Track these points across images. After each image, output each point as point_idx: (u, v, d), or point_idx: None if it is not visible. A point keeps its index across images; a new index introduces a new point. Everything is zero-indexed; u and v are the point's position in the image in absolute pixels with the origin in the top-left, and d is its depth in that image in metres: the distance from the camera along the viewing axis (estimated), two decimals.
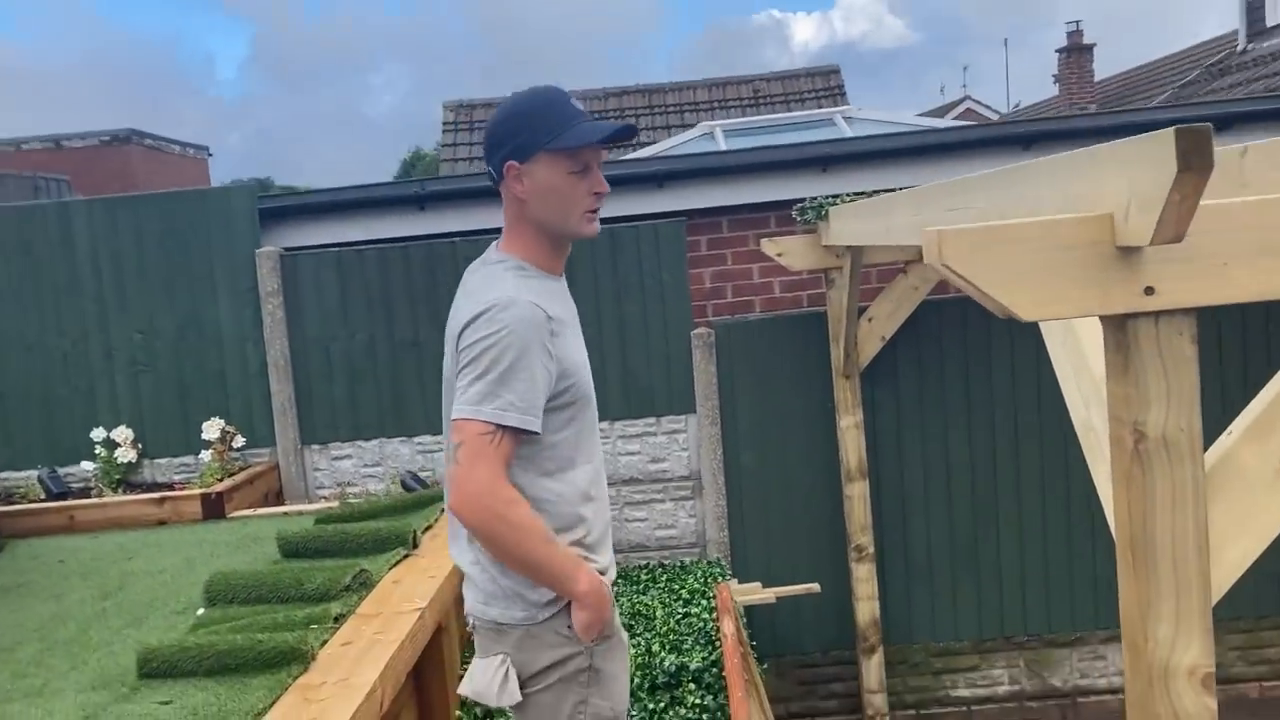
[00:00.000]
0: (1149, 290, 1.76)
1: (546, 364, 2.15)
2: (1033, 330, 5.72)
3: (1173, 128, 1.52)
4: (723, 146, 8.00)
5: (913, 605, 5.42)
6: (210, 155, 22.01)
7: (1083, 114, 9.28)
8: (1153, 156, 1.59)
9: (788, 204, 5.52)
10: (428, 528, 4.26)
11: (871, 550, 5.22)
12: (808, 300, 5.63)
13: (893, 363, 5.27)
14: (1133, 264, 1.76)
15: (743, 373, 5.34)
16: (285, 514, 4.85)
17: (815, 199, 4.88)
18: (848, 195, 4.85)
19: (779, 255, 5.00)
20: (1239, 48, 10.87)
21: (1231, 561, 1.83)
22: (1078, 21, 19.88)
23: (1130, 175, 1.67)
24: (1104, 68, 19.34)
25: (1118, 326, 1.80)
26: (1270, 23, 10.37)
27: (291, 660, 2.88)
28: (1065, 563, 5.36)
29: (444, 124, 15.40)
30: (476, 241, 5.39)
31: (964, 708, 5.48)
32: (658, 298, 5.34)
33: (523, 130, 2.19)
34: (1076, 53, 19.17)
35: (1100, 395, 2.06)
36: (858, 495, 5.17)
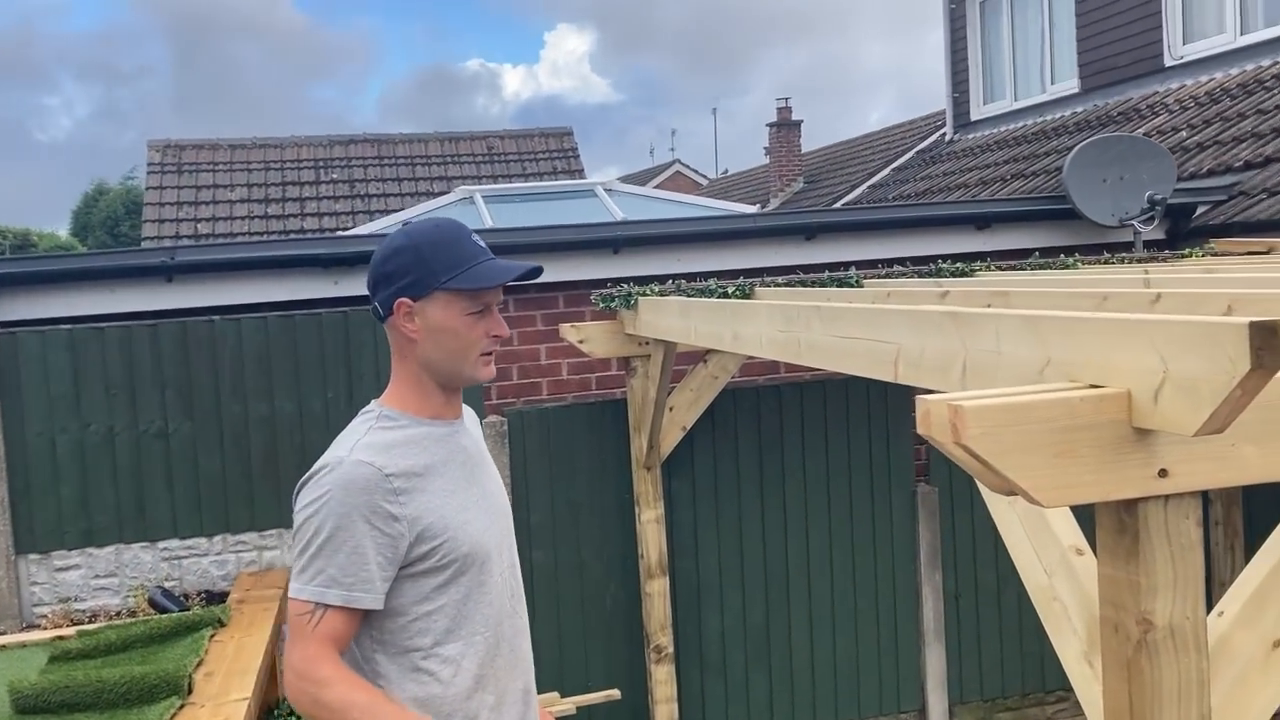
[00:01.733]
0: (1162, 473, 1.65)
1: (382, 528, 1.93)
2: (824, 420, 5.63)
3: (1246, 321, 1.42)
4: (485, 214, 7.70)
5: (707, 703, 5.28)
6: None
7: (867, 207, 9.69)
8: (1212, 344, 1.47)
9: (576, 285, 5.32)
10: (199, 663, 3.65)
11: (671, 650, 5.03)
12: (596, 383, 5.42)
13: (690, 453, 5.14)
14: (1148, 445, 1.64)
15: (537, 464, 5.04)
16: (1, 646, 4.05)
17: (617, 282, 4.70)
18: (640, 283, 4.70)
19: (581, 341, 4.76)
20: (947, 136, 11.80)
21: None
22: (787, 98, 21.11)
23: (1168, 356, 1.55)
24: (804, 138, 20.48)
25: (1124, 509, 1.68)
26: (974, 116, 11.32)
27: None
28: (852, 648, 5.40)
29: (149, 165, 14.13)
30: (239, 320, 4.80)
31: None
32: None
33: (419, 265, 2.02)
34: (785, 127, 20.28)
35: (1069, 568, 1.95)
36: (658, 592, 4.98)
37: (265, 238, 12.81)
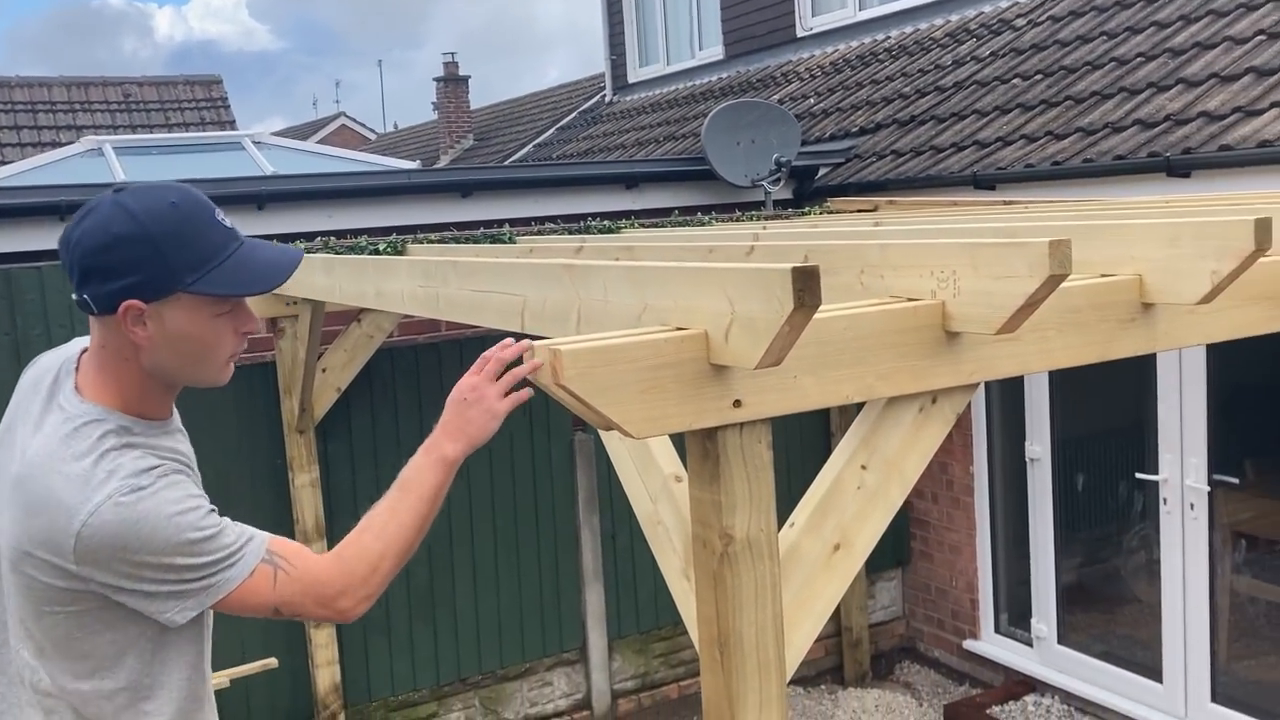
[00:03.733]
0: (737, 403, 1.85)
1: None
2: None
3: (789, 267, 1.61)
4: (117, 167, 7.14)
5: (371, 662, 5.27)
6: None
7: (522, 166, 9.72)
8: (764, 288, 1.66)
9: None
10: None
11: None
12: None
13: (346, 415, 5.08)
14: (724, 379, 1.83)
15: None
16: None
17: (264, 240, 4.54)
18: (288, 240, 4.58)
19: None
20: (606, 98, 12.17)
21: (798, 645, 1.99)
22: (453, 53, 20.92)
23: (734, 299, 1.74)
24: (474, 95, 20.48)
25: (707, 437, 1.87)
26: (631, 79, 11.74)
27: None
28: (515, 597, 5.56)
29: None
30: None
31: None
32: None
33: (154, 261, 1.68)
34: (453, 83, 20.11)
35: (670, 494, 2.14)
36: None
37: None
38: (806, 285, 1.61)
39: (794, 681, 6.25)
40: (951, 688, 6.19)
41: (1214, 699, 4.87)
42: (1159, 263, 2.17)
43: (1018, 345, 2.10)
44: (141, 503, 1.67)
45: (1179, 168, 4.46)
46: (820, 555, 2.01)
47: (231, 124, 14.50)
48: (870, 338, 1.95)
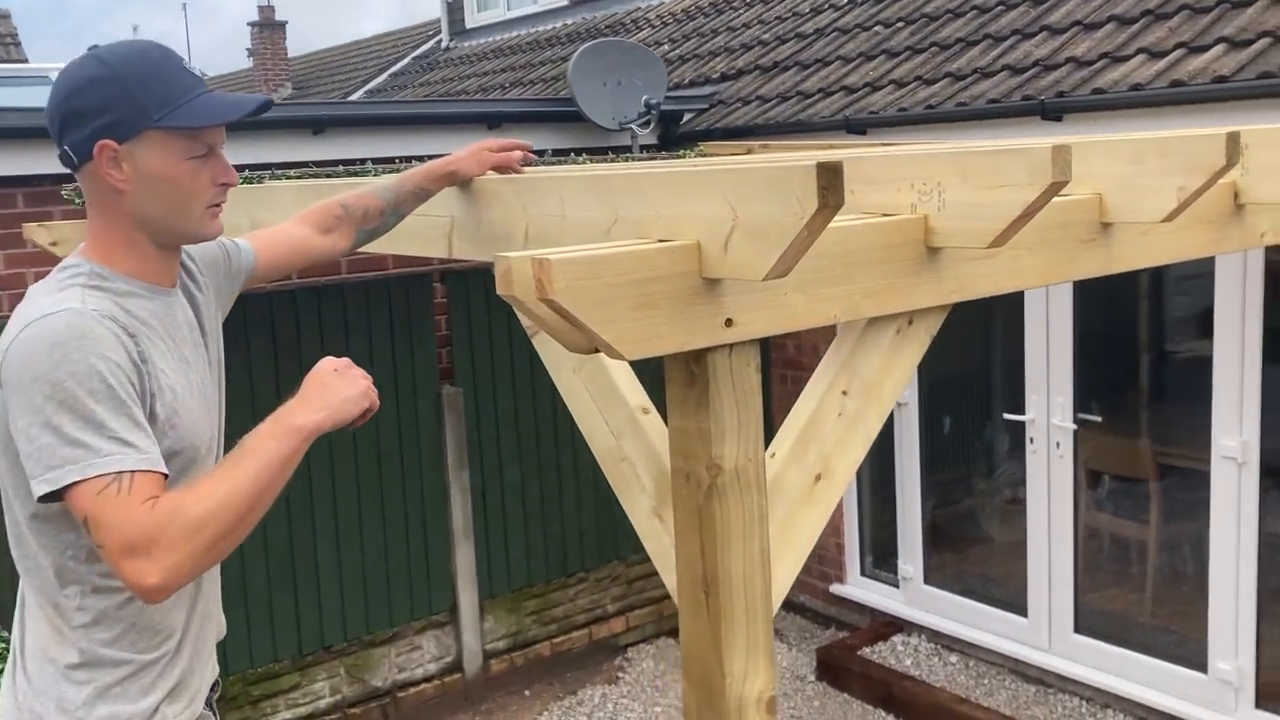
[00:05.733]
0: (729, 322, 1.70)
1: (130, 377, 1.65)
2: (344, 326, 5.38)
3: (814, 163, 1.46)
4: None
5: (229, 634, 4.89)
6: None
7: (378, 102, 9.22)
8: (781, 187, 1.51)
9: (41, 179, 4.59)
10: None
11: None
12: None
13: None
14: (715, 296, 1.68)
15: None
16: None
17: None
18: None
19: (53, 244, 4.13)
20: (443, 44, 11.70)
21: (781, 580, 1.86)
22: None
23: (738, 203, 1.58)
24: (290, 45, 19.44)
25: (693, 360, 1.71)
26: (470, 24, 11.32)
27: None
28: (381, 558, 5.28)
29: None
30: None
31: None
32: None
33: (122, 100, 1.70)
34: (269, 28, 19.08)
35: (637, 427, 1.97)
36: None
37: None
38: (831, 183, 1.47)
39: (666, 634, 6.21)
40: (819, 632, 6.26)
41: (1076, 630, 5.06)
42: (1120, 180, 2.12)
43: (992, 264, 2.02)
44: (68, 329, 1.59)
45: (1053, 111, 4.54)
46: (803, 486, 1.89)
47: (24, 62, 13.28)
48: (858, 253, 1.83)
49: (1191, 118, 4.14)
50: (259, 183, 4.01)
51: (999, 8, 5.61)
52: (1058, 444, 5.00)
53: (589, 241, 1.85)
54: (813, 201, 1.46)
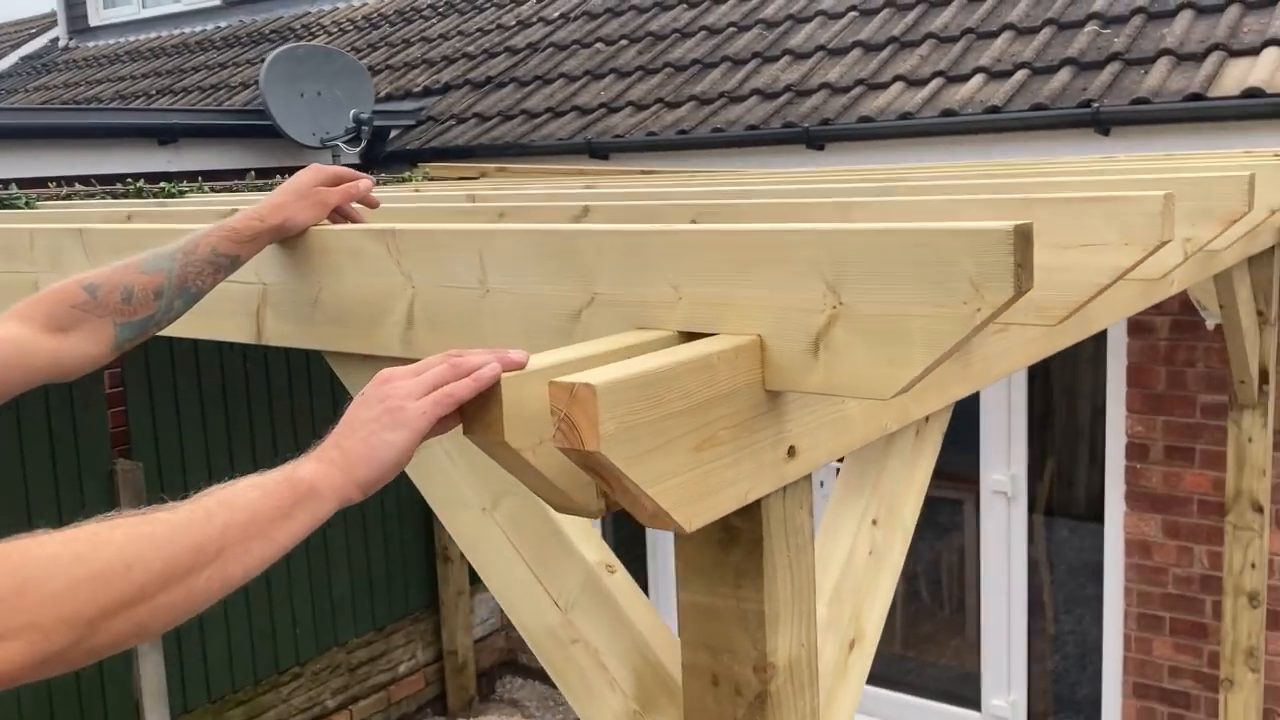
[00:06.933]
0: (791, 451, 1.15)
1: None
2: None
3: (1012, 226, 0.95)
4: None
5: None
6: None
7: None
8: (925, 265, 0.99)
9: None
10: None
11: None
12: None
13: None
14: (776, 416, 1.13)
15: None
16: None
17: None
18: None
19: None
20: (60, 42, 10.05)
21: None
22: None
23: (842, 283, 1.03)
24: None
25: (738, 512, 1.14)
26: (94, 22, 9.79)
27: None
28: (43, 687, 4.16)
29: None
30: None
31: None
32: None
33: None
34: None
35: (601, 595, 1.36)
36: None
37: None
38: (1025, 258, 0.96)
39: None
40: (559, 697, 5.74)
41: None
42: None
43: (1006, 340, 1.60)
44: None
45: (817, 138, 4.31)
46: (839, 660, 1.36)
47: None
48: None
49: (964, 149, 4.03)
50: None
51: (730, 29, 5.37)
52: (821, 483, 4.79)
53: (537, 330, 1.23)
54: (1002, 286, 0.95)
